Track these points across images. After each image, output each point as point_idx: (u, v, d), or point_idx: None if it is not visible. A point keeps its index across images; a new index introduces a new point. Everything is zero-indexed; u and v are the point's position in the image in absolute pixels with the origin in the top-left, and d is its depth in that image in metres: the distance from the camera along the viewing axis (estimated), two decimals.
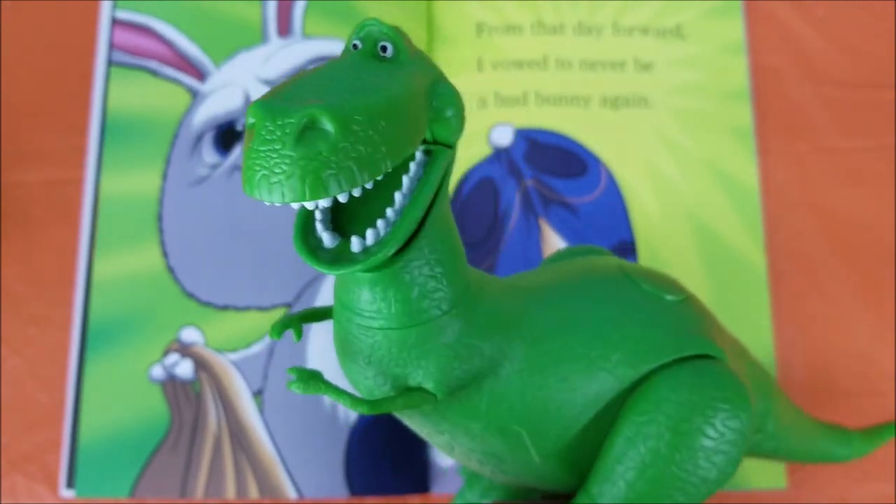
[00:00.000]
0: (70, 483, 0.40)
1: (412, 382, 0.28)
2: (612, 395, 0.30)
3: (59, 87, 0.46)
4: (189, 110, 0.45)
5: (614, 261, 0.34)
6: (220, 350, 0.42)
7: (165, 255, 0.43)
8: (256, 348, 0.42)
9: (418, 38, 0.46)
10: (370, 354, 0.27)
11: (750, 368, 0.35)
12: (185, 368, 0.42)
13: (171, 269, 0.43)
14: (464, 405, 0.29)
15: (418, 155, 0.25)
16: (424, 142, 0.25)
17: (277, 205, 0.22)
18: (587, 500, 0.30)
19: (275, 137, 0.22)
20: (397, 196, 0.25)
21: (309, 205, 0.23)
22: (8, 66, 0.46)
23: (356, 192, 0.23)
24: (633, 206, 0.44)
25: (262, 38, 0.46)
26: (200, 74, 0.45)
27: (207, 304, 0.42)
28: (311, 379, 0.26)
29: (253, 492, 0.40)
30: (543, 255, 0.43)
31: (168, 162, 0.44)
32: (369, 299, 0.26)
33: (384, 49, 0.25)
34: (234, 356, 0.42)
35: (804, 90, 0.47)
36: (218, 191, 0.44)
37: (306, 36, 0.46)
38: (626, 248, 0.44)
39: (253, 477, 0.40)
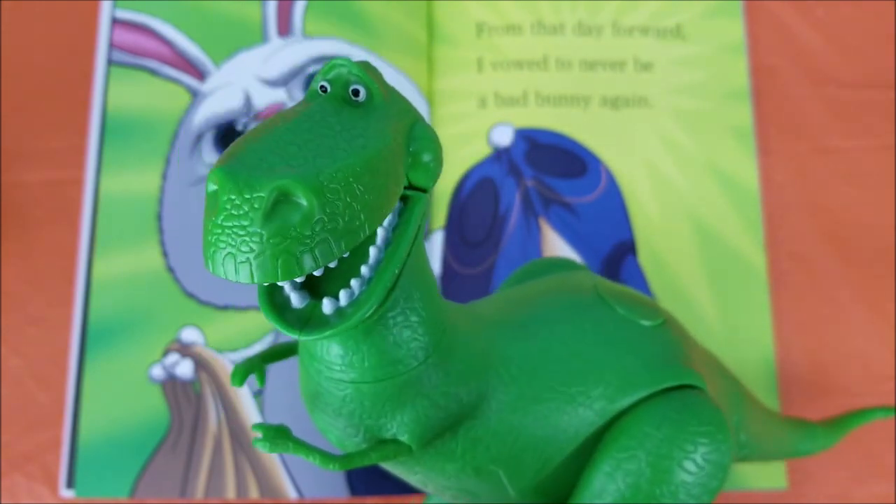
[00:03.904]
0: (70, 483, 0.40)
1: (386, 434, 0.26)
2: (591, 430, 0.29)
3: (59, 87, 0.46)
4: (189, 110, 0.45)
5: (588, 279, 0.33)
6: (220, 350, 0.42)
7: (165, 255, 0.43)
8: (257, 348, 0.42)
9: (418, 38, 0.46)
10: (340, 407, 0.26)
11: (722, 381, 0.34)
12: (185, 368, 0.42)
13: (171, 269, 0.43)
14: (438, 450, 0.28)
15: None
16: None
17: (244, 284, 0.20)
18: None
19: (241, 213, 0.20)
20: (372, 251, 0.23)
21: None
22: (8, 66, 0.46)
23: (332, 264, 0.21)
24: (633, 206, 0.44)
25: (262, 37, 0.46)
26: (200, 74, 0.45)
27: (207, 304, 0.42)
28: (279, 437, 0.25)
29: (253, 492, 0.40)
30: (543, 255, 0.43)
31: (168, 162, 0.44)
32: (340, 353, 0.25)
33: (356, 93, 0.23)
34: (234, 356, 0.42)
35: (804, 90, 0.47)
36: None
37: (306, 35, 0.46)
38: (626, 248, 0.44)
39: (253, 477, 0.40)
